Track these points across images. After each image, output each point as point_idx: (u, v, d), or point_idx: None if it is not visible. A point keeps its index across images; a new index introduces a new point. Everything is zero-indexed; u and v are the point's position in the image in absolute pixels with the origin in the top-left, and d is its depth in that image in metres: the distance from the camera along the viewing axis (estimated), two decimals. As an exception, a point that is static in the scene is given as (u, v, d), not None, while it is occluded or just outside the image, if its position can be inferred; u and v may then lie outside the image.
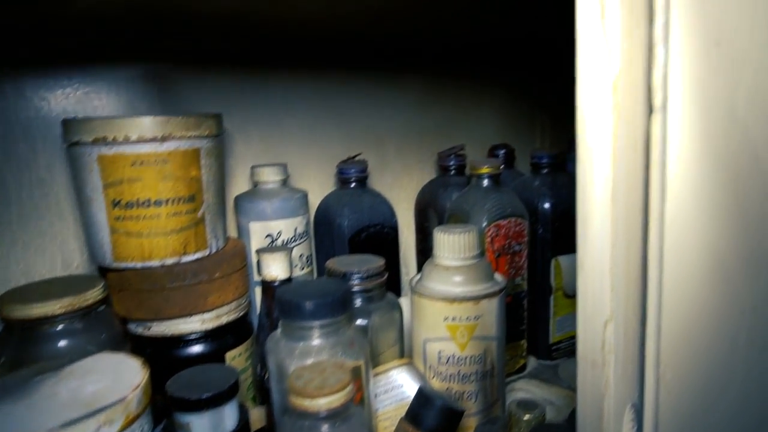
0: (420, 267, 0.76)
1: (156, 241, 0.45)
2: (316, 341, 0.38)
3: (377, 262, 0.48)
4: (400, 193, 0.77)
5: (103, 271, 0.47)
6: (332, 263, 0.48)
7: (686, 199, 0.26)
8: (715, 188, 0.25)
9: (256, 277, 0.55)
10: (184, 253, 0.47)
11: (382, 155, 0.76)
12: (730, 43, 0.23)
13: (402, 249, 0.75)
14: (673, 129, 0.27)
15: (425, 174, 0.78)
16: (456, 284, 0.46)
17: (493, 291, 0.46)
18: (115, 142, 0.43)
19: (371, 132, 0.75)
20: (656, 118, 0.28)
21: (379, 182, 0.75)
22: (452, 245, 0.46)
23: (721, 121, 0.24)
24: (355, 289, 0.46)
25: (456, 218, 0.61)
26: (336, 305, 0.38)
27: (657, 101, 0.28)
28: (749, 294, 0.26)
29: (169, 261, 0.46)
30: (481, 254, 0.49)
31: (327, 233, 0.62)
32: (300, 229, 0.58)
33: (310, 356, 0.38)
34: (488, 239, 0.58)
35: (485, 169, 0.60)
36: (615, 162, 0.29)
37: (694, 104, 0.25)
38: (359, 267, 0.47)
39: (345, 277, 0.46)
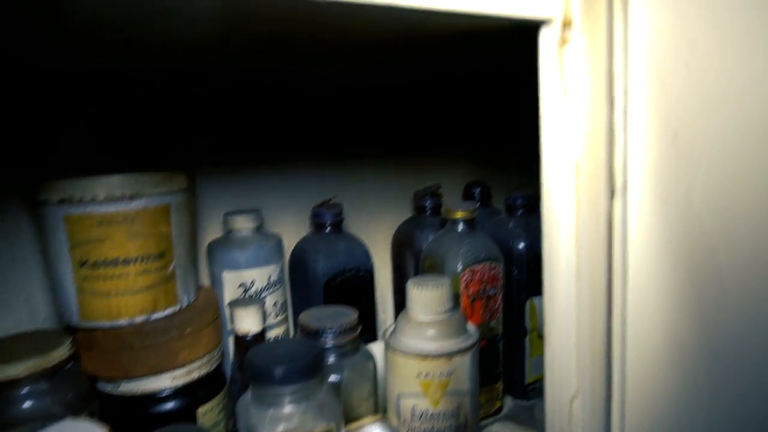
0: (397, 306, 0.76)
1: (124, 300, 0.45)
2: (286, 408, 0.37)
3: (351, 316, 0.48)
4: (377, 232, 0.77)
5: (71, 329, 0.46)
6: (305, 318, 0.48)
7: (647, 283, 0.27)
8: (673, 275, 0.26)
9: (230, 326, 0.54)
10: (154, 311, 0.46)
11: (360, 194, 0.76)
12: (686, 138, 0.24)
13: (380, 288, 0.75)
14: (633, 215, 0.27)
15: (402, 212, 0.79)
16: (429, 339, 0.46)
17: (465, 346, 0.46)
18: (81, 202, 0.42)
19: (347, 171, 0.75)
20: (617, 202, 0.28)
21: (356, 221, 0.75)
22: (425, 300, 0.46)
23: (678, 213, 0.25)
24: (329, 345, 0.46)
25: (431, 261, 0.61)
26: (307, 370, 0.38)
27: (618, 184, 0.28)
28: (707, 377, 0.26)
29: (139, 319, 0.45)
30: (455, 306, 0.49)
31: (302, 279, 0.62)
32: (274, 277, 0.58)
33: (280, 423, 0.37)
34: (463, 284, 0.58)
35: (460, 214, 0.60)
36: (578, 241, 0.30)
37: (654, 195, 0.26)
38: (332, 323, 0.46)
39: (317, 333, 0.46)
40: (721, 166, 0.23)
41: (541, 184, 0.31)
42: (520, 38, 0.32)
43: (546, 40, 0.29)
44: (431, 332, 0.46)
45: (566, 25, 0.28)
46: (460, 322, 0.48)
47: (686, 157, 0.24)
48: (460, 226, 0.60)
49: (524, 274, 0.65)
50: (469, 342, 0.47)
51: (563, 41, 0.29)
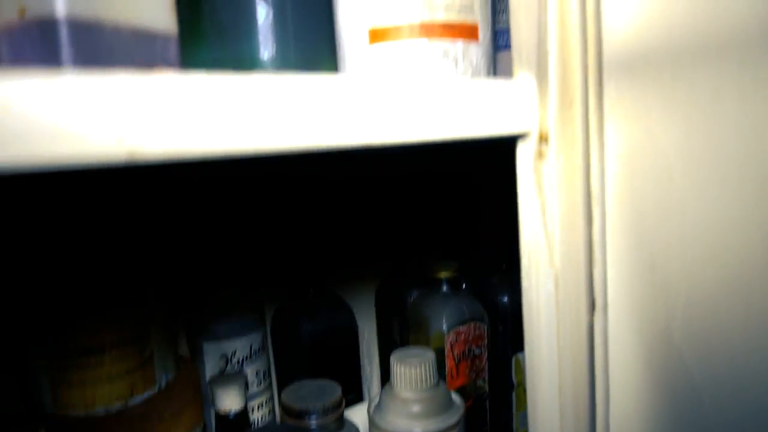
0: (382, 359, 0.75)
1: (100, 388, 0.43)
2: None
3: (334, 394, 0.47)
4: (361, 281, 0.76)
5: (45, 418, 0.45)
6: (287, 398, 0.47)
7: (629, 405, 0.27)
8: (654, 404, 0.25)
9: (211, 398, 0.53)
10: (131, 396, 0.45)
11: (341, 246, 0.75)
12: (664, 270, 0.24)
13: (365, 340, 0.74)
14: (614, 333, 0.27)
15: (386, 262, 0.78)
16: (414, 417, 0.45)
17: (451, 424, 0.46)
18: (54, 292, 0.41)
19: (329, 223, 0.74)
20: (598, 317, 0.28)
21: (338, 272, 0.75)
22: (409, 377, 0.46)
23: (659, 345, 0.25)
24: (313, 427, 0.45)
25: (416, 320, 0.61)
26: (289, 467, 0.37)
27: (599, 300, 0.28)
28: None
29: (115, 407, 0.44)
30: (440, 380, 0.48)
31: (285, 344, 0.61)
32: (256, 346, 0.57)
33: None
34: (448, 346, 0.58)
35: (443, 274, 0.60)
36: (561, 356, 0.29)
37: (634, 323, 0.26)
38: (315, 402, 0.45)
39: (301, 414, 0.45)
40: (701, 301, 0.23)
41: (522, 294, 0.31)
42: (499, 145, 0.32)
43: (523, 154, 0.29)
44: (416, 409, 0.46)
45: (543, 139, 0.28)
46: (444, 395, 0.48)
47: (665, 289, 0.24)
48: (444, 286, 0.60)
49: (509, 328, 0.64)
50: (455, 418, 0.46)
51: (540, 155, 0.29)
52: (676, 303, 0.24)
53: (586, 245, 0.28)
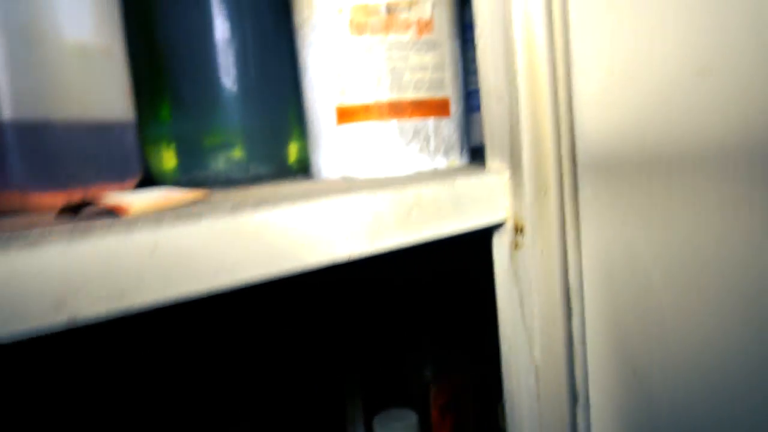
0: (366, 412, 0.73)
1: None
2: None
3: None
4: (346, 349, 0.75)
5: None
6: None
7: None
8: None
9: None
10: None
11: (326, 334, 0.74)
12: (646, 377, 0.23)
13: (350, 394, 0.73)
14: (598, 427, 0.26)
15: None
16: (398, 488, 0.44)
17: (437, 493, 0.44)
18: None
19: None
20: (580, 410, 0.27)
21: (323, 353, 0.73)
22: (392, 446, 0.45)
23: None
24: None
25: (399, 373, 0.59)
26: None
27: (581, 393, 0.27)
28: None
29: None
30: (424, 443, 0.47)
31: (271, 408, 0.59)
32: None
33: None
34: (432, 399, 0.57)
35: (426, 327, 0.58)
36: (545, 453, 0.28)
37: (616, 429, 0.25)
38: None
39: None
40: (686, 408, 0.22)
41: (503, 382, 0.30)
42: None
43: (499, 244, 0.28)
44: (400, 477, 0.45)
45: (518, 230, 0.27)
46: (429, 460, 0.46)
47: (648, 393, 0.23)
48: (427, 339, 0.58)
49: (495, 374, 0.63)
50: (440, 486, 0.45)
51: (516, 245, 0.28)
52: (660, 407, 0.23)
53: (566, 339, 0.27)
